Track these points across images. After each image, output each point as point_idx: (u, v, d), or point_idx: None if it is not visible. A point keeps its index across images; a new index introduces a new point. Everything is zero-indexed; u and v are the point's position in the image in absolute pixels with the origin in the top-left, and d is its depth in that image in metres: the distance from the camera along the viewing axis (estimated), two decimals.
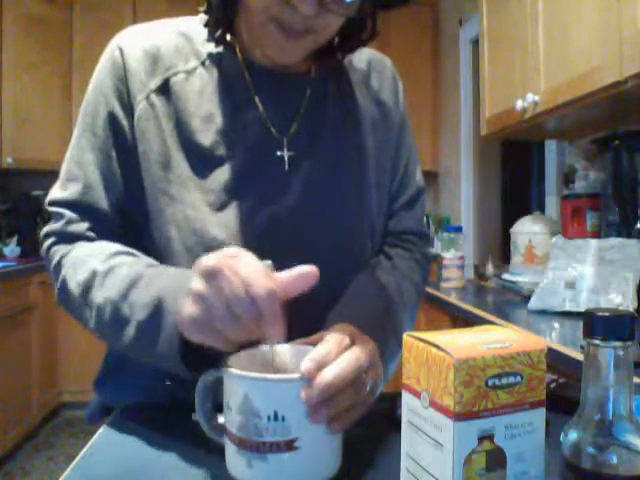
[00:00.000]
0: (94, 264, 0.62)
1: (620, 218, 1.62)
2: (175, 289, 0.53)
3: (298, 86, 0.71)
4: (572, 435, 0.37)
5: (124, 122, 0.67)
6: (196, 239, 0.64)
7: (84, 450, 0.57)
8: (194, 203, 0.65)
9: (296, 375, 0.46)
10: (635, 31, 1.21)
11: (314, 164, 0.70)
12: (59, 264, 0.65)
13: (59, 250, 0.66)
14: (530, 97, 1.66)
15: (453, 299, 1.80)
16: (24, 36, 3.23)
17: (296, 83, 0.72)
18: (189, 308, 0.49)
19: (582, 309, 1.32)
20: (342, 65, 0.76)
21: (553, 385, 0.71)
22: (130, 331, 0.56)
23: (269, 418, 0.44)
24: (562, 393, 0.67)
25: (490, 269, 2.20)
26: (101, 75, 0.68)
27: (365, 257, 0.74)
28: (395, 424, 0.47)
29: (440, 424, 0.37)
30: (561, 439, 0.38)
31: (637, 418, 0.36)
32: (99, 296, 0.59)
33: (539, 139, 2.43)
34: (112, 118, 0.67)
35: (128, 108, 0.67)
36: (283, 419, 0.44)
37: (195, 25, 0.71)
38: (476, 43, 2.72)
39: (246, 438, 0.45)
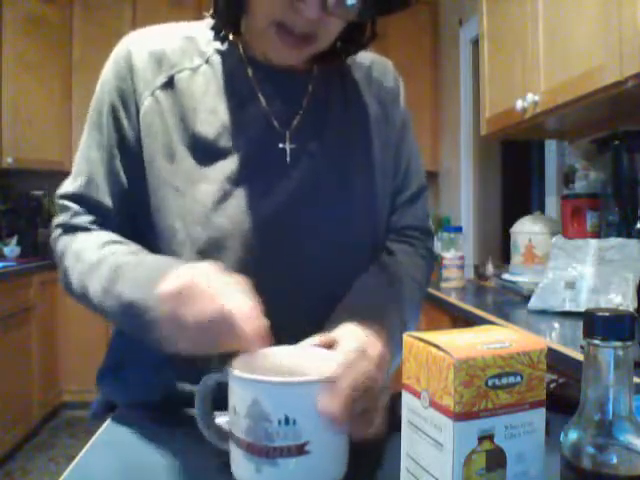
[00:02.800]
0: (87, 256, 0.65)
1: (620, 218, 1.62)
2: (144, 293, 0.55)
3: (300, 82, 0.73)
4: (572, 435, 0.37)
5: (124, 121, 0.69)
6: (200, 230, 0.66)
7: (84, 450, 0.57)
8: (198, 195, 0.66)
9: (307, 378, 0.45)
10: (635, 31, 1.21)
11: (316, 158, 0.71)
12: (63, 255, 0.69)
13: (63, 241, 0.70)
14: (530, 97, 1.66)
15: (453, 299, 1.80)
16: (24, 36, 3.22)
17: (299, 79, 0.73)
18: (164, 330, 0.51)
19: (582, 309, 1.32)
20: (344, 63, 0.77)
21: (553, 385, 0.71)
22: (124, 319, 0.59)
23: (280, 422, 0.43)
24: (562, 393, 0.67)
25: (490, 269, 2.20)
26: (108, 74, 0.71)
27: (368, 251, 0.75)
28: (395, 424, 0.47)
29: (440, 424, 0.37)
30: (561, 439, 0.38)
31: (637, 418, 0.36)
32: (92, 286, 0.63)
33: (539, 139, 2.42)
34: (114, 117, 0.69)
35: (131, 107, 0.69)
36: (294, 423, 0.43)
37: (199, 28, 0.74)
38: (476, 43, 2.72)
39: (255, 443, 0.44)
